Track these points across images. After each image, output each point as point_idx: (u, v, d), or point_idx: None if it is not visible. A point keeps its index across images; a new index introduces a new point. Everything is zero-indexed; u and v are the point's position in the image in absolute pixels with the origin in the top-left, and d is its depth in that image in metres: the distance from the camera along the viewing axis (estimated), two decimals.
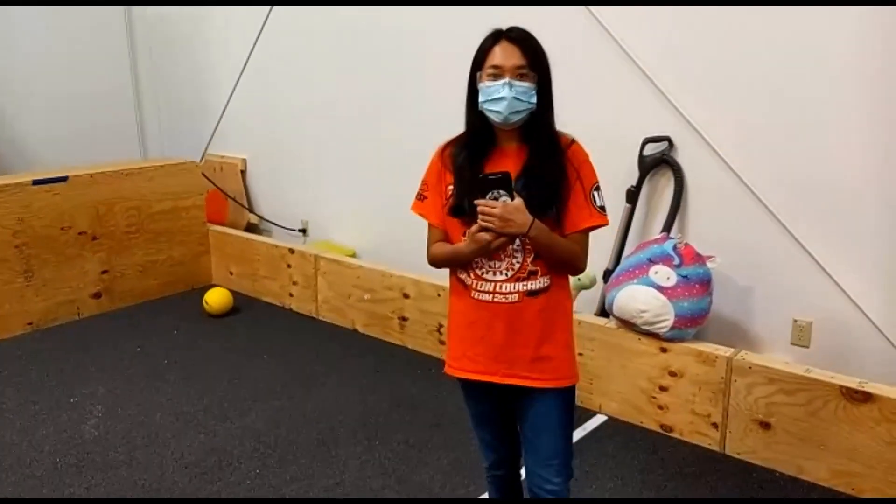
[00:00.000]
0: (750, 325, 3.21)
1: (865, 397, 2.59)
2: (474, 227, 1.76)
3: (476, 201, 1.75)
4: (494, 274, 1.86)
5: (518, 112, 1.79)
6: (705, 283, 3.00)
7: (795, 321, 3.08)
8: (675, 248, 3.01)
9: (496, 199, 1.74)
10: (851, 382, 2.63)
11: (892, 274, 2.84)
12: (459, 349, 1.96)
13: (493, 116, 1.81)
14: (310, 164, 4.91)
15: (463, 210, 1.83)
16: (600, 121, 3.32)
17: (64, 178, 4.32)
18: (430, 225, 1.96)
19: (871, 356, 2.91)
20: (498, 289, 1.85)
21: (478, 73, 1.84)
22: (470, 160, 1.86)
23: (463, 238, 1.84)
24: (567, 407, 1.95)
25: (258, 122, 5.19)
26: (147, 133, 6.02)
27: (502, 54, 1.79)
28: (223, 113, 5.41)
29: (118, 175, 4.56)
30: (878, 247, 2.85)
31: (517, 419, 2.00)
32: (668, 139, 3.28)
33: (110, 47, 5.74)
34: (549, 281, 1.86)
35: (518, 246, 1.84)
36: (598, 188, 1.89)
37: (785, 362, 2.86)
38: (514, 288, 1.85)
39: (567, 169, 1.84)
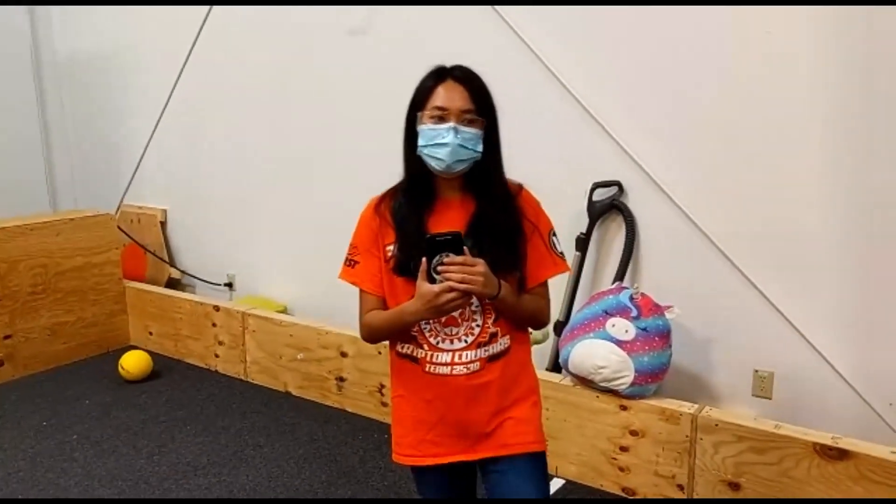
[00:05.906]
0: (709, 377, 3.07)
1: (841, 454, 2.44)
2: (438, 286, 1.53)
3: (446, 259, 1.54)
4: (452, 342, 1.65)
5: (462, 161, 1.61)
6: (665, 335, 2.84)
7: (756, 371, 2.95)
8: (631, 298, 2.85)
9: (442, 262, 1.54)
10: (825, 439, 2.49)
11: (856, 321, 2.73)
12: (416, 435, 1.72)
13: (433, 163, 1.62)
14: (235, 214, 4.60)
15: (409, 269, 1.61)
16: (546, 165, 3.18)
17: None
18: (362, 293, 1.72)
19: (838, 407, 2.79)
20: (457, 359, 1.65)
21: (418, 114, 1.64)
22: (412, 213, 1.66)
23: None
24: (543, 475, 1.75)
25: (179, 170, 4.86)
26: (58, 184, 5.58)
27: (447, 95, 1.61)
28: (140, 161, 5.05)
29: (22, 230, 4.15)
30: (839, 293, 2.74)
31: (488, 495, 1.77)
32: (619, 184, 3.15)
33: (15, 93, 5.31)
34: (509, 341, 1.69)
35: (477, 307, 1.64)
36: (554, 233, 1.75)
37: (753, 418, 2.70)
38: (476, 355, 1.65)
39: (521, 219, 1.68)
